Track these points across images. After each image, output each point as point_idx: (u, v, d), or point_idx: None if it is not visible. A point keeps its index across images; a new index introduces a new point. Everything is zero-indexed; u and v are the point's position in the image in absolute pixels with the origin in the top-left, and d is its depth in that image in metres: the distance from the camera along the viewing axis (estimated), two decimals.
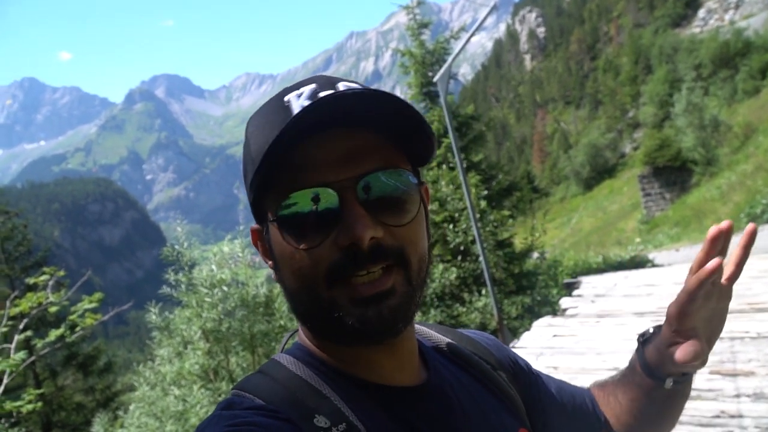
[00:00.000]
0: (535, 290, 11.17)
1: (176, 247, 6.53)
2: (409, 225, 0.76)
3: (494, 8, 8.33)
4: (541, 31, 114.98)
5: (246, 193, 0.82)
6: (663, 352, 0.94)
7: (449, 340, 0.97)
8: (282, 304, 6.23)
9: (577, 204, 50.02)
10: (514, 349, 1.11)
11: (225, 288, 6.02)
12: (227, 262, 6.39)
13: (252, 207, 0.82)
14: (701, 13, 66.06)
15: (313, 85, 0.78)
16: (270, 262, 0.82)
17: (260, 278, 7.24)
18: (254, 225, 0.85)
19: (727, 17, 62.04)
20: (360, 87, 0.74)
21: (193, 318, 5.87)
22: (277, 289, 6.58)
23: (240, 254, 6.40)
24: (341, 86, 0.77)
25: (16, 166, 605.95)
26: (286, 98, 0.78)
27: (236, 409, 0.72)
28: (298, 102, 0.76)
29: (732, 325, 6.10)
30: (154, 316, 6.16)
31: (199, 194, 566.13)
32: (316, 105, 0.69)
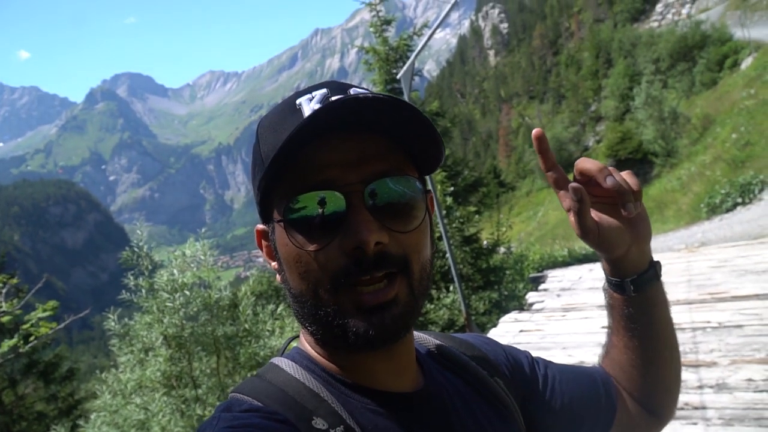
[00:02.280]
0: (503, 285, 11.24)
1: (136, 250, 6.36)
2: (414, 232, 0.76)
3: (455, 4, 8.32)
4: (504, 26, 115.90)
5: (253, 192, 0.82)
6: (605, 260, 0.96)
7: (443, 344, 0.97)
8: (246, 308, 6.13)
9: (543, 197, 50.57)
10: None
11: (187, 292, 5.88)
12: (189, 265, 6.24)
13: (259, 207, 0.82)
14: (659, 7, 67.32)
15: (324, 90, 0.78)
16: (274, 264, 0.83)
17: (224, 281, 7.12)
18: (259, 225, 0.85)
19: (684, 11, 63.34)
20: (371, 93, 0.75)
21: (154, 323, 5.73)
22: (242, 292, 6.47)
23: (203, 257, 6.25)
24: (352, 92, 0.78)
25: None
26: (297, 101, 0.78)
27: (235, 410, 0.73)
28: (309, 105, 0.76)
29: (693, 315, 6.19)
30: (112, 323, 5.99)
31: (165, 195, 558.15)
32: (328, 108, 0.70)
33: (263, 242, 0.85)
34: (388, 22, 12.00)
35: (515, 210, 53.01)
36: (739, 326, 5.64)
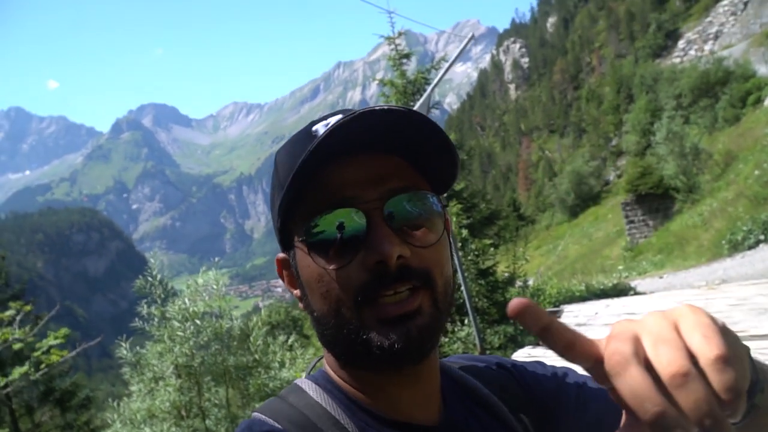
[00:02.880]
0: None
1: (149, 279, 6.41)
2: (435, 246, 0.76)
3: (472, 39, 8.40)
4: (524, 61, 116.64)
5: (273, 220, 0.83)
6: None
7: (467, 377, 0.93)
8: (257, 338, 6.12)
9: (563, 231, 50.21)
10: None
11: (198, 321, 5.90)
12: (201, 294, 6.27)
13: (279, 234, 0.82)
14: (681, 43, 67.24)
15: (339, 116, 0.77)
16: (296, 291, 0.82)
17: (242, 310, 7.14)
18: (280, 254, 0.85)
19: (706, 48, 63.15)
20: (389, 106, 0.73)
21: (165, 353, 5.74)
22: (254, 322, 6.47)
23: (215, 286, 6.28)
24: (374, 108, 0.76)
25: (1, 196, 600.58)
26: (313, 128, 0.79)
27: (254, 431, 0.73)
28: (324, 130, 0.75)
29: None
30: (124, 351, 6.02)
31: (186, 224, 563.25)
32: (341, 125, 0.70)
33: (284, 272, 0.85)
34: (406, 56, 12.15)
35: (534, 243, 52.69)
36: None
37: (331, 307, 0.74)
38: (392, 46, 11.98)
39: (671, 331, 0.49)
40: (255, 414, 0.79)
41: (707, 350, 0.46)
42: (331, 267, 0.73)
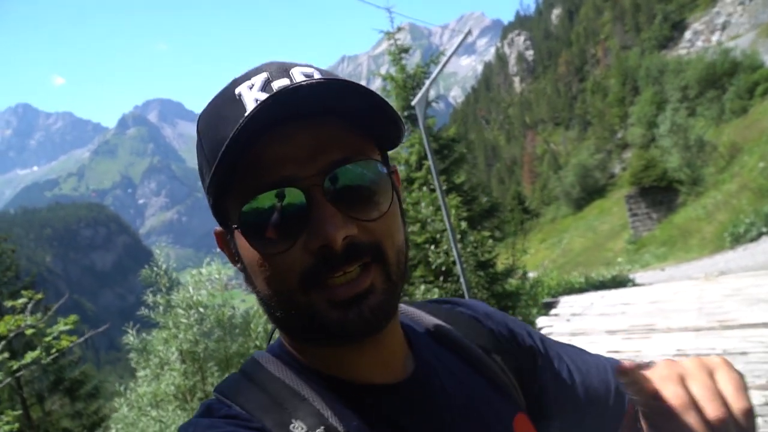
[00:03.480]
0: (517, 310, 11.29)
1: (155, 268, 6.63)
2: (383, 218, 0.71)
3: (468, 35, 8.56)
4: (529, 53, 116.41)
5: (206, 197, 0.77)
6: None
7: (438, 323, 0.92)
8: (258, 325, 6.33)
9: (568, 224, 50.28)
10: None
11: (201, 309, 6.11)
12: (204, 284, 6.48)
13: (213, 210, 0.78)
14: (687, 34, 66.98)
15: (264, 75, 0.72)
16: (238, 265, 0.77)
17: (236, 300, 7.38)
18: (218, 228, 0.80)
19: (713, 38, 62.89)
20: (317, 76, 0.70)
21: (170, 339, 5.96)
22: (254, 310, 6.68)
23: (216, 276, 6.50)
24: (296, 73, 0.71)
25: (9, 191, 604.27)
26: (236, 90, 0.72)
27: (214, 416, 0.71)
28: (250, 94, 0.70)
29: (699, 342, 6.25)
30: (131, 338, 6.25)
31: (192, 218, 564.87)
32: (273, 99, 0.64)
33: (224, 246, 0.80)
34: (405, 51, 12.30)
35: (539, 236, 52.78)
36: (744, 353, 5.69)
37: (277, 290, 0.70)
38: (391, 41, 12.13)
39: (711, 381, 0.62)
40: (215, 393, 0.77)
41: (739, 403, 0.60)
42: (272, 252, 0.69)
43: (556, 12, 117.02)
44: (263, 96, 0.68)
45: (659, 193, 31.92)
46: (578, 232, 45.35)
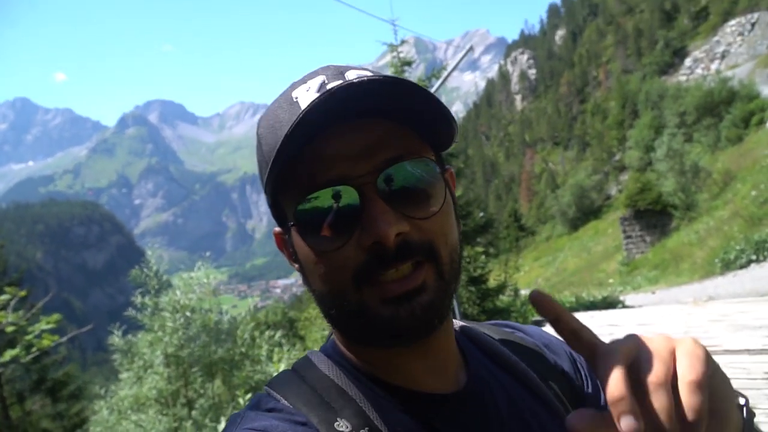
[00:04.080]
0: None
1: (145, 270, 6.60)
2: (436, 216, 0.71)
3: (469, 51, 8.61)
4: (532, 72, 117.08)
5: (265, 198, 0.79)
6: None
7: (495, 343, 0.91)
8: (244, 332, 6.30)
9: (563, 243, 50.35)
10: None
11: (188, 314, 6.08)
12: (193, 288, 6.45)
13: (272, 210, 0.79)
14: (688, 62, 67.61)
15: (321, 77, 0.74)
16: (296, 266, 0.79)
17: (227, 305, 7.36)
18: (277, 228, 0.81)
19: (713, 67, 63.48)
20: (371, 74, 0.71)
21: (156, 342, 5.92)
22: (241, 316, 6.66)
23: (205, 281, 6.47)
24: (350, 74, 0.74)
25: (3, 186, 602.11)
26: (293, 94, 0.74)
27: (261, 409, 0.72)
28: (306, 96, 0.72)
29: None
30: (116, 339, 6.21)
31: (188, 220, 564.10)
32: (325, 98, 0.65)
33: (282, 246, 0.82)
34: (408, 63, 12.33)
35: (534, 254, 52.87)
36: None
37: (331, 288, 0.71)
38: (394, 54, 12.18)
39: (668, 352, 0.56)
40: (266, 387, 0.78)
41: (687, 373, 0.53)
42: (326, 249, 0.70)
43: (560, 33, 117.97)
44: (316, 97, 0.68)
45: (653, 217, 32.03)
46: (573, 251, 45.40)
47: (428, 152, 0.75)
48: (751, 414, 0.67)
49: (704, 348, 0.57)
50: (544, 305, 0.59)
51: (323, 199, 0.69)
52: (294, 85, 0.77)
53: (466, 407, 0.78)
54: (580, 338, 0.59)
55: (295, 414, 0.71)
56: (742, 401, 0.65)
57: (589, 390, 0.93)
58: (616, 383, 0.52)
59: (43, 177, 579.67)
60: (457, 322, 0.93)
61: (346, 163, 0.69)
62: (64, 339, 5.25)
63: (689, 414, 0.52)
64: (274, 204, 0.78)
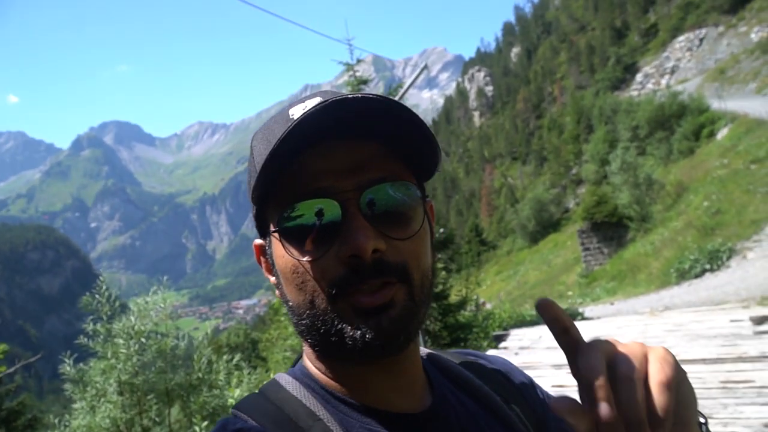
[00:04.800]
0: (469, 342, 11.31)
1: (96, 296, 6.43)
2: (413, 239, 0.74)
3: (424, 69, 8.69)
4: (489, 89, 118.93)
5: (250, 206, 0.82)
6: None
7: (459, 368, 0.93)
8: (201, 356, 6.18)
9: (524, 257, 50.92)
10: None
11: (143, 340, 5.94)
12: (149, 313, 6.31)
13: (255, 220, 0.81)
14: (639, 77, 69.61)
15: (318, 98, 0.77)
16: (272, 279, 0.81)
17: (188, 327, 7.21)
18: (258, 240, 0.84)
19: (663, 81, 65.49)
20: (365, 94, 0.72)
21: (108, 370, 5.76)
22: (198, 341, 6.53)
23: (162, 305, 6.33)
24: (348, 96, 0.74)
25: None
26: (291, 111, 0.78)
27: (229, 429, 0.72)
28: (302, 113, 0.72)
29: None
30: (68, 368, 6.02)
31: (146, 243, 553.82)
32: (317, 112, 0.68)
33: (262, 258, 0.84)
34: (364, 82, 12.37)
35: (495, 268, 53.32)
36: None
37: (305, 298, 0.73)
38: (351, 73, 12.22)
39: (642, 355, 0.61)
40: (233, 410, 0.79)
41: (657, 374, 0.58)
42: (305, 258, 0.72)
43: (515, 50, 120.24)
44: (309, 110, 0.71)
45: (610, 229, 32.65)
46: (533, 264, 45.94)
47: (411, 178, 0.78)
48: None
49: (674, 357, 0.62)
50: (548, 310, 0.63)
51: (306, 210, 0.72)
52: (291, 105, 0.80)
53: (433, 427, 0.79)
54: (568, 334, 0.63)
55: None
56: (702, 420, 0.71)
57: (550, 414, 0.94)
58: (594, 372, 0.58)
59: None
60: (424, 350, 0.94)
61: (332, 178, 0.72)
62: (13, 369, 5.07)
63: (658, 410, 0.57)
64: (258, 213, 0.80)
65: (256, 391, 0.84)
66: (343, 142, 0.73)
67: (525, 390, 0.96)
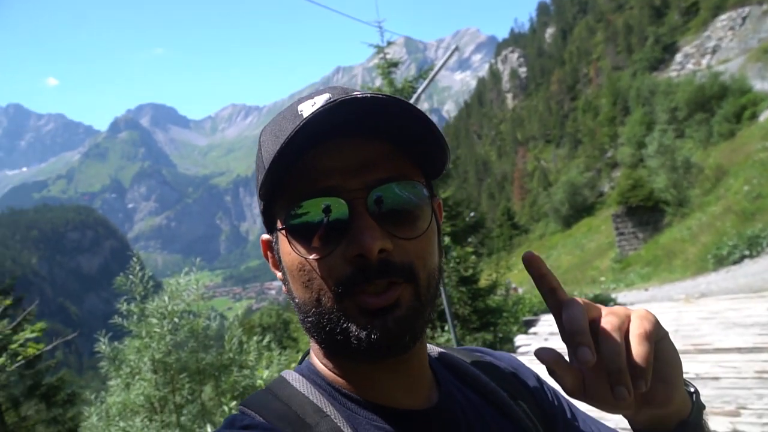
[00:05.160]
0: (498, 327, 11.26)
1: (130, 276, 6.55)
2: (420, 239, 0.74)
3: (455, 51, 8.59)
4: (522, 71, 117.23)
5: (257, 202, 0.82)
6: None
7: (466, 365, 0.94)
8: (233, 337, 6.27)
9: (556, 241, 50.41)
10: None
11: (176, 319, 6.04)
12: (182, 293, 6.41)
13: (263, 216, 0.82)
14: (678, 57, 67.73)
15: (327, 95, 0.77)
16: (279, 274, 0.82)
17: (235, 312, 7.36)
18: (264, 235, 0.84)
19: (704, 62, 63.60)
20: (374, 93, 0.72)
21: (143, 349, 5.89)
22: (230, 321, 6.62)
23: (194, 286, 6.43)
24: (357, 94, 0.74)
25: None
26: (299, 107, 0.77)
27: (236, 426, 0.73)
28: (311, 110, 0.74)
29: None
30: (102, 346, 6.17)
31: (181, 224, 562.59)
32: (326, 110, 0.68)
33: (269, 253, 0.84)
34: (394, 65, 12.32)
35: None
36: (716, 378, 5.68)
37: (312, 296, 0.73)
38: (381, 55, 12.16)
39: (624, 314, 0.68)
40: (240, 407, 0.79)
41: (636, 328, 0.66)
42: (312, 257, 0.72)
43: (550, 31, 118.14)
44: (319, 108, 0.71)
45: (646, 213, 32.06)
46: (566, 249, 45.45)
47: (419, 176, 0.78)
48: (701, 405, 0.78)
49: (655, 317, 0.68)
50: (532, 263, 0.71)
51: (314, 208, 0.71)
52: (300, 101, 0.80)
53: (439, 424, 0.80)
54: (555, 294, 0.69)
55: (271, 430, 0.72)
56: (692, 389, 0.78)
57: (556, 404, 0.97)
58: (575, 319, 0.64)
59: (36, 182, 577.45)
60: (436, 349, 0.96)
61: (340, 177, 0.72)
62: (50, 346, 5.23)
63: (637, 360, 0.63)
64: (266, 209, 0.80)
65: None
66: (350, 141, 0.73)
67: (532, 386, 0.97)
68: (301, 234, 0.73)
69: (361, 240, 0.69)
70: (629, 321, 0.66)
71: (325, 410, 0.75)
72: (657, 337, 0.67)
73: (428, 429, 0.79)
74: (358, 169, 0.72)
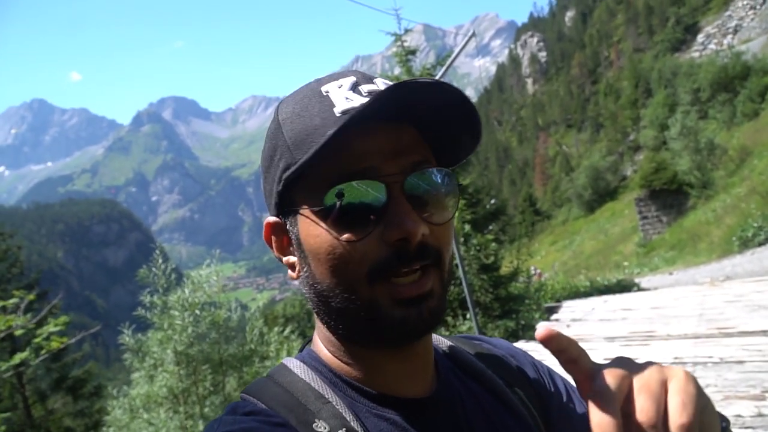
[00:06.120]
0: (520, 314, 11.20)
1: (153, 269, 6.63)
2: (447, 224, 0.75)
3: (472, 36, 8.51)
4: (542, 55, 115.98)
5: (265, 181, 0.80)
6: None
7: (463, 352, 0.94)
8: (254, 328, 6.32)
9: (579, 226, 50.00)
10: None
11: (198, 312, 6.11)
12: (202, 286, 6.47)
13: (277, 197, 0.78)
14: (700, 37, 66.57)
15: (352, 78, 0.77)
16: (287, 258, 0.81)
17: (245, 299, 7.39)
18: (270, 218, 0.81)
19: (725, 42, 62.46)
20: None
21: (165, 341, 5.96)
22: (250, 313, 6.67)
23: (215, 278, 6.48)
24: (379, 82, 0.76)
25: (23, 187, 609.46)
26: (323, 88, 0.76)
27: (238, 413, 0.72)
28: (339, 92, 0.74)
29: (698, 350, 6.16)
30: (126, 338, 6.26)
31: (204, 216, 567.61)
32: (383, 97, 0.67)
33: (273, 237, 0.82)
34: (412, 53, 12.24)
35: (550, 238, 52.55)
36: (741, 362, 5.60)
37: (340, 279, 0.72)
38: (398, 43, 12.10)
39: (659, 386, 0.55)
40: (242, 394, 0.79)
41: (678, 416, 0.52)
42: (348, 238, 0.71)
43: (570, 14, 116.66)
44: (353, 95, 0.73)
45: (669, 196, 31.64)
46: (589, 234, 45.06)
47: (443, 164, 0.79)
48: None
49: (696, 382, 0.56)
50: (550, 340, 0.57)
51: (350, 190, 0.70)
52: (321, 81, 0.78)
53: (438, 412, 0.80)
54: (577, 364, 0.58)
55: (274, 416, 0.72)
56: (723, 424, 0.66)
57: (552, 389, 0.96)
58: (605, 421, 0.52)
59: (61, 177, 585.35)
60: (445, 341, 0.95)
61: (378, 159, 0.71)
62: (74, 339, 5.31)
63: (681, 425, 0.52)
64: (282, 192, 0.77)
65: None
66: (381, 125, 0.72)
67: (529, 373, 0.96)
68: (334, 216, 0.71)
69: (404, 224, 0.69)
70: (666, 393, 0.55)
71: (326, 396, 0.75)
72: (701, 413, 0.54)
73: (429, 416, 0.79)
74: (394, 152, 0.72)
